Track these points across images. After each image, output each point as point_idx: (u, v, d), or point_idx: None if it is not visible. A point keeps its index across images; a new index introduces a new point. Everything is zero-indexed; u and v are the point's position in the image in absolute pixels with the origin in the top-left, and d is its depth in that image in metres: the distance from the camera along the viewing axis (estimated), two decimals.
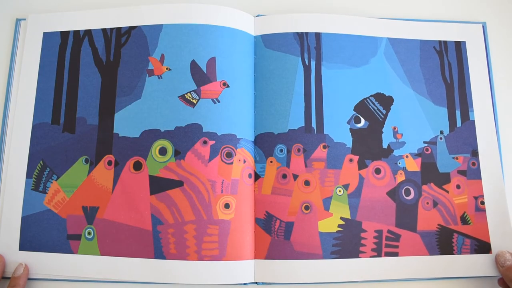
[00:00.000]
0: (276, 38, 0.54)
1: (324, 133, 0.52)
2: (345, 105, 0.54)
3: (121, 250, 0.48)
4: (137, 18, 0.54)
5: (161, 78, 0.52)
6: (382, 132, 0.54)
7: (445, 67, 0.56)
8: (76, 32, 0.54)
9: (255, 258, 0.49)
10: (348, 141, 0.53)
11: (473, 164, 0.54)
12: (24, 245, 0.49)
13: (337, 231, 0.50)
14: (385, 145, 0.54)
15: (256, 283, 0.48)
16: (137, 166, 0.50)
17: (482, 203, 0.52)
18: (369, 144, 0.53)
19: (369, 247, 0.50)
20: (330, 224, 0.50)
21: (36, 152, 0.51)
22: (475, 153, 0.54)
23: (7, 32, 0.57)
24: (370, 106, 0.54)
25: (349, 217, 0.51)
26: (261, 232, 0.49)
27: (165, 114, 0.51)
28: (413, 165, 0.53)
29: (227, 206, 0.48)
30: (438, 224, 0.52)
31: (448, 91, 0.56)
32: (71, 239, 0.49)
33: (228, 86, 0.51)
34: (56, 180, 0.50)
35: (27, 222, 0.50)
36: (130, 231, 0.48)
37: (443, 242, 0.51)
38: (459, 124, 0.55)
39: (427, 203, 0.52)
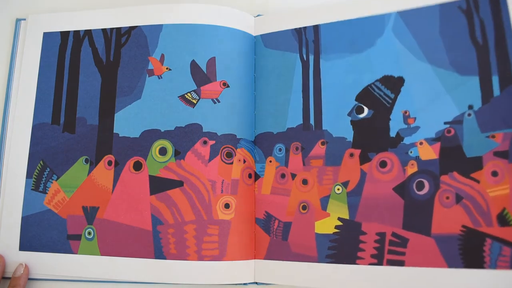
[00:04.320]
0: (274, 37, 0.53)
1: (323, 129, 0.49)
2: (345, 96, 0.49)
3: (121, 250, 0.48)
4: (137, 18, 0.54)
5: (161, 78, 0.52)
6: (390, 119, 0.47)
7: (476, 27, 0.46)
8: (76, 32, 0.54)
9: (255, 258, 0.49)
10: (348, 134, 0.48)
11: None
12: (24, 245, 0.49)
13: (334, 233, 0.46)
14: (393, 134, 0.46)
15: (256, 283, 0.48)
16: (137, 166, 0.50)
17: None
18: (373, 135, 0.47)
19: (368, 253, 0.44)
20: (327, 225, 0.47)
21: (36, 152, 0.51)
22: None
23: (7, 32, 0.57)
24: (375, 93, 0.48)
25: (347, 218, 0.46)
26: (260, 232, 0.49)
27: (165, 114, 0.51)
28: (429, 153, 0.45)
29: (227, 206, 0.48)
30: (463, 226, 0.41)
31: (480, 54, 0.45)
32: (71, 239, 0.49)
33: (228, 86, 0.51)
34: (56, 180, 0.50)
35: (27, 222, 0.50)
36: (130, 231, 0.48)
37: (469, 251, 0.40)
38: (496, 92, 0.44)
39: (447, 197, 0.42)
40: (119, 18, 0.54)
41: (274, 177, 0.50)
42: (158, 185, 0.49)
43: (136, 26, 0.54)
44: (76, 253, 0.48)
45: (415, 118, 0.46)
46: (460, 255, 0.40)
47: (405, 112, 0.46)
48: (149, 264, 0.47)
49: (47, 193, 0.50)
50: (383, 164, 0.46)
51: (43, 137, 0.52)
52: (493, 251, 0.39)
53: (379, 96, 0.48)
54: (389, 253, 0.43)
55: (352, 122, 0.48)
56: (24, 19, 0.56)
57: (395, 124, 0.47)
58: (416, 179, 0.44)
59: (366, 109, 0.48)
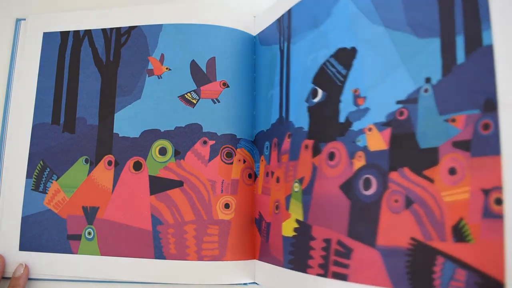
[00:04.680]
0: (265, 33, 0.52)
1: (289, 120, 0.45)
2: (305, 80, 0.43)
3: (121, 250, 0.48)
4: (137, 18, 0.54)
5: (161, 78, 0.52)
6: (340, 101, 0.39)
7: None
8: (76, 32, 0.54)
9: (254, 258, 0.49)
10: (305, 123, 0.42)
11: (486, 127, 0.30)
12: (24, 245, 0.49)
13: (293, 236, 0.41)
14: (342, 119, 0.38)
15: (256, 283, 0.48)
16: (137, 166, 0.50)
17: (499, 201, 0.29)
18: (324, 122, 0.40)
19: (316, 261, 0.38)
20: (289, 227, 0.42)
21: (36, 152, 0.51)
22: (490, 107, 0.30)
23: (7, 32, 0.57)
24: (328, 71, 0.40)
25: (302, 219, 0.41)
26: (257, 233, 0.49)
27: (165, 114, 0.51)
28: (378, 141, 0.36)
29: (227, 206, 0.48)
30: (412, 238, 0.33)
31: (444, 8, 0.34)
32: (71, 239, 0.49)
33: (228, 86, 0.51)
34: (56, 180, 0.50)
35: (27, 222, 0.50)
36: (130, 231, 0.48)
37: (417, 270, 0.32)
38: (461, 59, 0.32)
39: (396, 200, 0.34)
40: (119, 18, 0.54)
41: (263, 176, 0.49)
42: (158, 185, 0.49)
43: (136, 26, 0.54)
44: (76, 253, 0.48)
45: (365, 98, 0.37)
46: (407, 274, 0.32)
47: (355, 90, 0.38)
48: (149, 264, 0.47)
49: (47, 193, 0.50)
50: (331, 156, 0.39)
51: (43, 137, 0.52)
52: (444, 272, 0.31)
53: (332, 75, 0.40)
54: (334, 264, 0.37)
55: (308, 108, 0.42)
56: (24, 19, 0.56)
57: (345, 107, 0.39)
58: (363, 175, 0.37)
59: (320, 92, 0.41)
